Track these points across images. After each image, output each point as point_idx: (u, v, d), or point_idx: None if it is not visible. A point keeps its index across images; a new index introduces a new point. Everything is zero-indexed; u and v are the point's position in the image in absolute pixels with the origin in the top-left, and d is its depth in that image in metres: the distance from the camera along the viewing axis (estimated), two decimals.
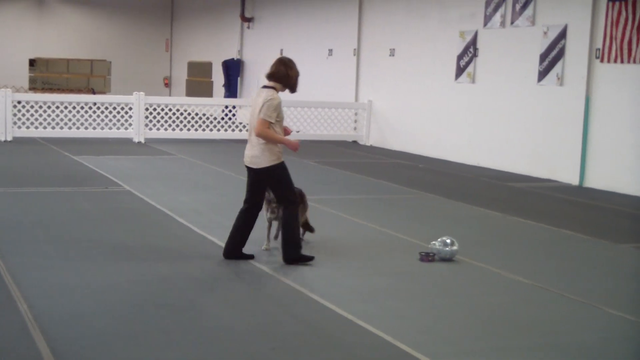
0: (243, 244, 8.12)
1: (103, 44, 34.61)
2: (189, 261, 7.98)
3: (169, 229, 9.50)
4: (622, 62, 14.01)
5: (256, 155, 8.03)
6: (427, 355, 5.52)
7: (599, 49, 14.49)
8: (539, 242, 9.70)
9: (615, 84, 14.26)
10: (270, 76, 8.05)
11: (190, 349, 5.54)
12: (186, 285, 7.14)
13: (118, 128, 19.75)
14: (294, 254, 7.94)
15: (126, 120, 19.72)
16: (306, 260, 7.99)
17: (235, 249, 8.08)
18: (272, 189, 8.13)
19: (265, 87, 8.04)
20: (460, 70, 18.11)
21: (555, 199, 13.12)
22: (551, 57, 15.53)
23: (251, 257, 8.10)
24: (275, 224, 8.58)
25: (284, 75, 8.01)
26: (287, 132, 8.21)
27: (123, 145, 18.43)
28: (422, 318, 6.46)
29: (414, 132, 19.80)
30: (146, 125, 19.72)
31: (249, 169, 8.17)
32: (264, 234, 8.55)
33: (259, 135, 7.95)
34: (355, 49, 22.24)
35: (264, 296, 6.91)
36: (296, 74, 8.07)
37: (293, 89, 8.15)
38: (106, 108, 19.67)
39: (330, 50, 23.56)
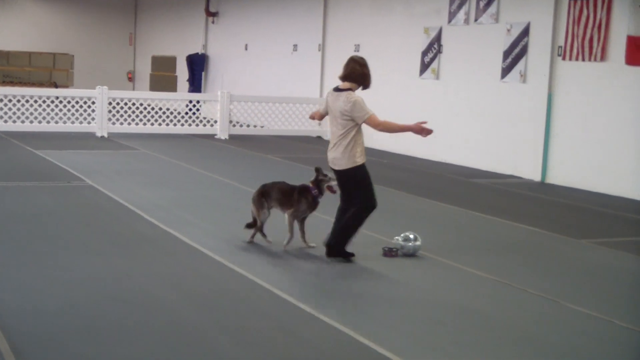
0: (344, 242, 8.08)
1: (66, 38, 34.24)
2: (151, 256, 7.94)
3: (132, 224, 9.43)
4: (583, 59, 14.16)
5: (337, 157, 8.07)
6: (391, 351, 5.53)
7: (561, 47, 14.63)
8: (501, 238, 9.78)
9: (577, 81, 14.40)
10: (346, 77, 8.08)
11: (151, 345, 5.51)
12: (148, 280, 7.10)
13: (81, 122, 19.58)
14: (340, 248, 8.02)
15: (89, 115, 19.57)
16: (348, 256, 8.04)
17: (337, 248, 8.09)
18: (352, 191, 8.11)
19: (339, 89, 8.02)
20: (424, 66, 18.18)
21: (517, 195, 13.22)
22: (514, 54, 15.64)
23: (352, 255, 8.09)
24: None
25: (360, 74, 8.11)
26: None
27: (86, 140, 18.27)
28: (385, 314, 6.47)
29: None
30: (109, 119, 19.57)
31: (334, 171, 8.21)
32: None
33: (382, 130, 8.37)
34: (320, 45, 22.24)
35: (226, 292, 6.88)
36: (370, 71, 8.22)
37: (368, 86, 8.25)
38: (69, 102, 19.48)
39: (295, 46, 23.53)
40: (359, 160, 8.09)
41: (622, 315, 6.67)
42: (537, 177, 15.02)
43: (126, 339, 5.60)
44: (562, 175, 14.71)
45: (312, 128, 21.85)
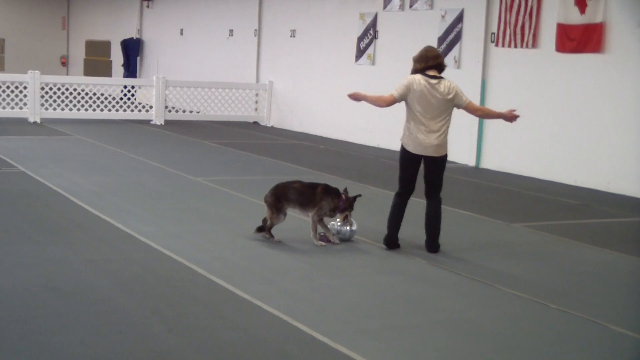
0: (398, 230, 8.23)
1: None
2: (84, 243, 7.85)
3: (64, 211, 9.32)
4: (515, 46, 14.37)
5: (440, 144, 8.11)
6: (324, 334, 5.57)
7: (494, 34, 14.83)
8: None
9: (509, 68, 14.62)
10: (437, 66, 8.14)
11: (84, 332, 5.45)
12: (80, 267, 7.02)
13: (12, 108, 19.24)
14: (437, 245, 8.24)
15: (21, 100, 19.24)
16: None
17: (395, 238, 8.22)
18: (437, 178, 8.21)
19: (431, 76, 8.07)
20: (360, 52, 18.25)
21: (452, 180, 13.34)
22: (449, 41, 15.80)
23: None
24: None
25: (443, 63, 8.23)
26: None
27: (18, 125, 17.96)
28: (319, 298, 6.51)
29: (315, 114, 19.89)
30: (42, 104, 19.26)
31: (427, 158, 8.12)
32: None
33: (480, 115, 8.97)
34: (256, 30, 22.16)
35: (160, 278, 6.84)
36: None
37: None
38: (0, 87, 19.12)
39: (231, 31, 23.41)
40: None
41: (544, 295, 6.82)
42: (471, 162, 15.22)
43: (59, 327, 5.53)
44: (496, 160, 14.94)
45: (248, 114, 21.80)
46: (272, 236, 8.30)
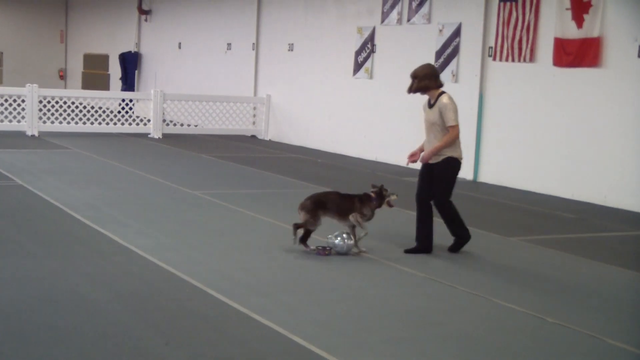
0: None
1: None
2: (82, 256, 7.85)
3: (62, 224, 9.31)
4: (512, 60, 14.41)
5: None
6: (322, 348, 5.57)
7: (492, 48, 14.87)
8: (434, 236, 9.86)
9: (507, 82, 14.66)
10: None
11: (81, 345, 5.44)
12: (77, 280, 7.01)
13: (10, 121, 19.26)
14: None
15: (19, 113, 19.26)
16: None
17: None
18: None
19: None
20: (358, 66, 18.30)
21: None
22: (446, 55, 15.84)
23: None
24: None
25: None
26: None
27: (16, 139, 17.97)
28: (317, 311, 6.50)
29: (313, 127, 19.91)
30: (40, 118, 19.28)
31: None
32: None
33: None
34: (254, 44, 22.21)
35: (158, 292, 6.84)
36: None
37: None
38: None
39: (229, 45, 23.46)
40: None
41: (540, 309, 6.82)
42: (469, 176, 15.23)
43: (56, 340, 5.52)
44: (493, 173, 14.96)
45: (246, 127, 21.83)
46: (307, 246, 8.45)
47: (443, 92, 8.67)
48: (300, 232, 8.48)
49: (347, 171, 15.71)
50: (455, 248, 8.85)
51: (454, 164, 8.64)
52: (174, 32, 26.53)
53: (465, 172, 15.29)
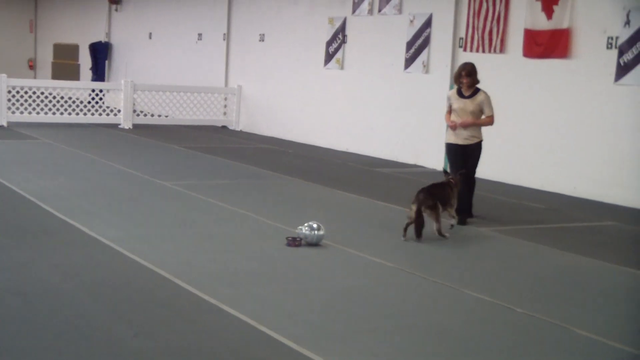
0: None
1: None
2: (50, 247, 7.79)
3: (30, 215, 9.24)
4: (483, 51, 14.46)
5: None
6: (290, 339, 5.57)
7: (462, 39, 14.91)
8: (403, 226, 9.89)
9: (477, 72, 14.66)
10: None
11: (49, 337, 5.41)
12: (46, 272, 6.97)
13: None
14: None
15: None
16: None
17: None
18: None
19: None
20: (329, 57, 18.28)
21: (420, 184, 13.32)
22: (417, 45, 15.86)
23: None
24: None
25: None
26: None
27: None
28: (286, 302, 6.50)
29: (284, 118, 19.89)
30: (9, 108, 19.09)
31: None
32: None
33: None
34: (225, 34, 22.12)
35: (126, 283, 6.80)
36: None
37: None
38: None
39: (200, 35, 23.35)
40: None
41: (510, 299, 6.86)
42: (439, 166, 15.26)
43: (25, 332, 5.48)
44: None
45: (217, 118, 21.75)
46: (444, 235, 9.11)
47: (479, 88, 10.43)
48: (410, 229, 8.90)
49: (318, 161, 15.71)
50: (464, 220, 10.07)
51: (482, 145, 10.46)
52: (144, 22, 26.35)
53: (436, 163, 15.35)
